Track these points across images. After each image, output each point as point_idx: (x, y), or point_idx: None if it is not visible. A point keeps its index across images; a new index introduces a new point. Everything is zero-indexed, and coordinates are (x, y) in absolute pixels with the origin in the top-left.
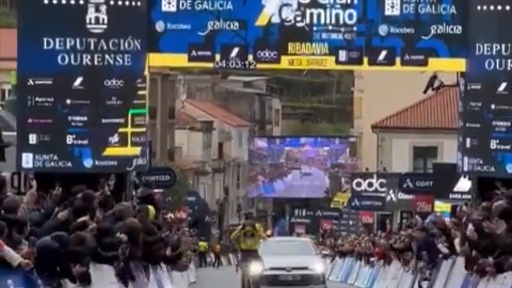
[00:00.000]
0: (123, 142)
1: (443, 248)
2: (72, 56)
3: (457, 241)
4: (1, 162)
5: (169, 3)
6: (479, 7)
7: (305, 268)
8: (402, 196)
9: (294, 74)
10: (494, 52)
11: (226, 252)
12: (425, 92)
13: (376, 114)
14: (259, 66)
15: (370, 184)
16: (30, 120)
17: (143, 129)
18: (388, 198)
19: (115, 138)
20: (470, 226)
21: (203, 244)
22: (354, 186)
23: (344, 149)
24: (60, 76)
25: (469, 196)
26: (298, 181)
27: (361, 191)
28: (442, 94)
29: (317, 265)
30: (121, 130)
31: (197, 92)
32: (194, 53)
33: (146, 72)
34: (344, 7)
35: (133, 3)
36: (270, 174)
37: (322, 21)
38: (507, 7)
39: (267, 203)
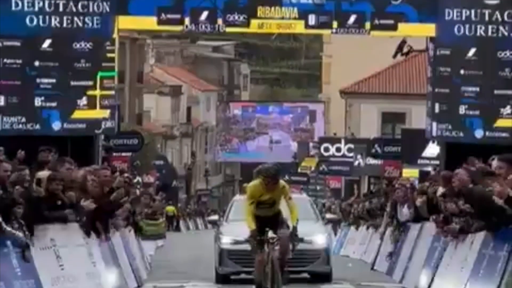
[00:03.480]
0: (91, 105)
1: (406, 212)
2: (40, 18)
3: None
4: None
5: None
6: None
7: (300, 240)
8: (370, 161)
9: (263, 39)
10: (463, 18)
11: (194, 216)
12: (394, 57)
13: (345, 80)
14: (228, 30)
15: (338, 149)
16: None
17: (112, 92)
18: (356, 163)
19: (83, 101)
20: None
21: (171, 208)
22: (322, 151)
23: (306, 115)
24: (28, 38)
25: (437, 162)
26: (266, 146)
27: (329, 156)
28: (411, 59)
29: (318, 236)
30: (89, 92)
31: (166, 57)
32: (163, 16)
33: (115, 35)
34: None
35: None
36: (243, 137)
37: None
38: None
39: (235, 168)
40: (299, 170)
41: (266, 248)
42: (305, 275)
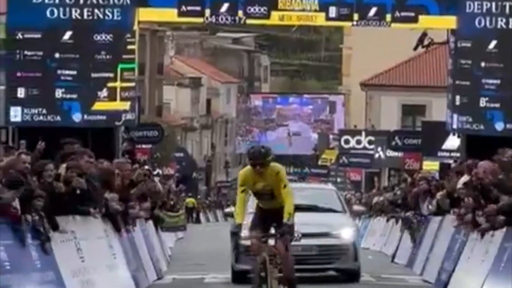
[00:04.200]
0: (112, 96)
1: (426, 208)
2: (61, 10)
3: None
4: None
5: None
6: None
7: (325, 234)
8: (391, 153)
9: (283, 31)
10: (484, 10)
11: (214, 208)
12: (415, 49)
13: (365, 72)
14: (249, 21)
15: (358, 142)
16: (18, 74)
17: (132, 84)
18: (376, 155)
19: (104, 93)
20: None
21: (191, 200)
22: (342, 143)
23: (326, 107)
24: (49, 30)
25: (458, 154)
26: (286, 137)
27: (349, 149)
28: (432, 52)
29: (345, 231)
30: (110, 84)
31: (186, 48)
32: (183, 8)
33: (135, 27)
34: None
35: None
36: (263, 128)
37: None
38: None
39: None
40: (319, 162)
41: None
42: (332, 272)
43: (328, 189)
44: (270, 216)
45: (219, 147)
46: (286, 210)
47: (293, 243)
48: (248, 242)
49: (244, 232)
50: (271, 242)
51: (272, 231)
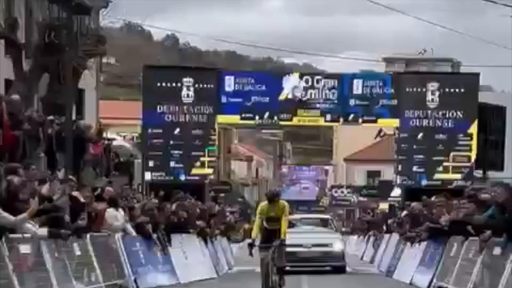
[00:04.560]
0: (202, 166)
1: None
2: (173, 116)
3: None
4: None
5: (228, 86)
6: (406, 89)
7: (325, 245)
8: (360, 198)
9: (300, 128)
10: (415, 115)
11: None
12: (375, 138)
13: (346, 152)
14: (280, 122)
15: (342, 192)
16: (149, 153)
17: (214, 158)
18: (352, 200)
19: (198, 164)
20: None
21: (246, 225)
22: (332, 193)
23: (323, 172)
24: (166, 127)
25: (399, 199)
26: (300, 190)
27: (336, 196)
28: (385, 139)
29: (337, 243)
30: (201, 159)
31: (244, 138)
32: (243, 115)
33: (215, 126)
34: (330, 89)
35: (209, 86)
36: (288, 184)
37: (317, 97)
38: (423, 89)
39: None
40: (319, 203)
41: (269, 254)
42: (328, 268)
43: (326, 217)
44: (272, 233)
45: (263, 195)
46: (282, 230)
47: (305, 249)
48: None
49: (257, 243)
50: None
51: (274, 243)
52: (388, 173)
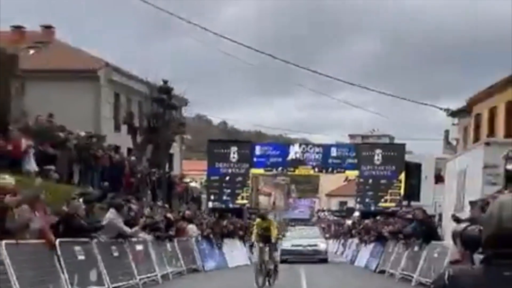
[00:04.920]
0: (242, 198)
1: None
2: (225, 169)
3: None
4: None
5: (257, 151)
6: (363, 153)
7: (314, 245)
8: (335, 217)
9: (299, 176)
10: (368, 169)
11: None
12: (344, 181)
13: (326, 190)
14: (288, 173)
15: (324, 214)
16: (211, 191)
17: (248, 194)
18: (330, 218)
19: (239, 197)
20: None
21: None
22: (319, 214)
23: (313, 202)
24: (221, 176)
25: (358, 218)
26: (298, 213)
27: (321, 216)
28: (350, 183)
29: (322, 244)
30: (241, 194)
31: (266, 182)
32: (266, 169)
33: (250, 175)
34: (317, 153)
35: (246, 151)
36: (293, 208)
37: (309, 157)
38: (372, 153)
39: (287, 220)
40: (311, 221)
41: (264, 252)
42: (316, 260)
43: (315, 228)
44: (265, 238)
45: (274, 216)
46: (273, 236)
47: (302, 248)
48: (287, 248)
49: (256, 242)
50: (266, 249)
51: (266, 249)
52: (350, 202)
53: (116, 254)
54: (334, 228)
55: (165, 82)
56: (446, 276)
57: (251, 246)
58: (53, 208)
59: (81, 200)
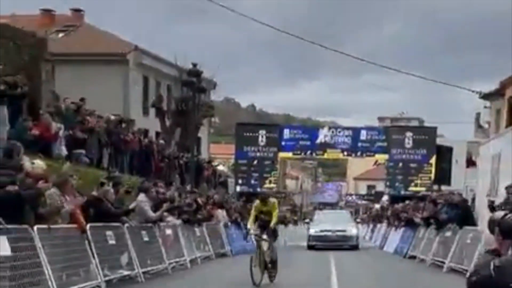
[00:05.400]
0: (270, 182)
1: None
2: (253, 153)
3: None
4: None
5: (286, 135)
6: (393, 136)
7: (344, 231)
8: (363, 202)
9: (328, 159)
10: (398, 153)
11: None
12: (373, 165)
13: (356, 172)
14: (316, 157)
15: (352, 198)
16: (239, 175)
17: (276, 178)
18: (358, 202)
19: (267, 181)
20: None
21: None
22: (347, 198)
23: (342, 185)
24: (249, 160)
25: (387, 202)
26: (326, 196)
27: (349, 200)
28: (379, 166)
29: (353, 229)
30: (269, 178)
31: (294, 165)
32: (294, 152)
33: (278, 159)
34: (347, 136)
35: (274, 135)
36: (320, 192)
37: (338, 141)
38: (403, 136)
39: (315, 204)
40: (338, 205)
41: (262, 241)
42: (346, 246)
43: (345, 212)
44: (265, 223)
45: (305, 199)
46: (273, 221)
47: (332, 234)
48: (315, 233)
49: (253, 230)
50: (264, 236)
51: (265, 236)
52: (379, 186)
53: (146, 238)
54: (362, 213)
55: (194, 65)
56: (491, 267)
57: (247, 233)
58: (82, 193)
59: (110, 184)
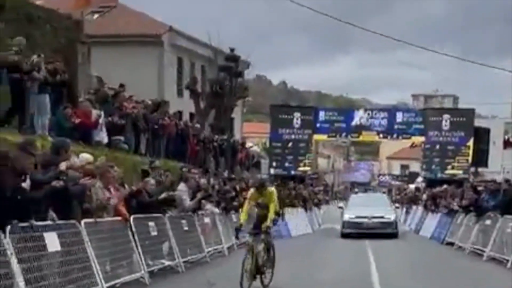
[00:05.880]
0: (304, 165)
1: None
2: (288, 135)
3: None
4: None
5: (321, 117)
6: (430, 118)
7: (381, 217)
8: (396, 182)
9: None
10: (435, 135)
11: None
12: (409, 147)
13: (389, 152)
14: (352, 139)
15: (385, 178)
16: (273, 157)
17: (311, 161)
18: (391, 182)
19: (301, 164)
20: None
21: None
22: (379, 178)
23: (373, 165)
24: (283, 142)
25: (421, 184)
26: (359, 175)
27: (382, 180)
28: (415, 148)
29: (392, 215)
30: (304, 161)
31: (326, 143)
32: (330, 134)
33: (312, 141)
34: (383, 118)
35: (309, 117)
36: (353, 171)
37: (374, 123)
38: (440, 118)
39: (346, 183)
40: (370, 185)
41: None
42: (384, 234)
43: (383, 196)
44: (261, 218)
45: (337, 179)
46: (269, 216)
47: (368, 220)
48: (351, 219)
49: (246, 227)
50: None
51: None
52: (412, 166)
53: (186, 228)
54: (395, 194)
55: (232, 50)
56: None
57: (237, 230)
58: (124, 181)
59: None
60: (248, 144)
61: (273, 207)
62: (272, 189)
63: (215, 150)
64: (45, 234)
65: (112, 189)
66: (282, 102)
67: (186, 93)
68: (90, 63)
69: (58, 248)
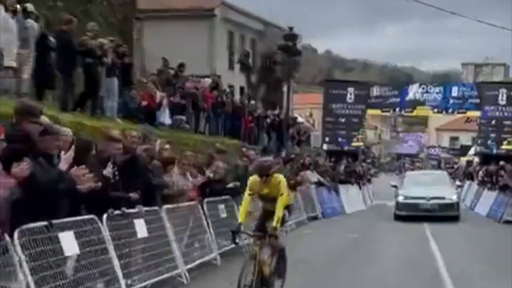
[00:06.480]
0: (357, 140)
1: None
2: (341, 110)
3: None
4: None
5: (374, 92)
6: (485, 92)
7: (442, 198)
8: (446, 155)
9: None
10: (491, 109)
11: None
12: (464, 123)
13: (437, 124)
14: (405, 114)
15: (434, 150)
16: (326, 132)
17: (363, 136)
18: (441, 155)
19: (355, 139)
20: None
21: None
22: (428, 151)
23: (421, 137)
24: (336, 117)
25: (473, 158)
26: (407, 147)
27: (431, 152)
28: (471, 122)
29: (453, 195)
30: (357, 136)
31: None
32: (383, 109)
33: (366, 116)
34: (437, 93)
35: (362, 92)
36: (401, 143)
37: (429, 98)
38: (496, 92)
39: (392, 155)
40: (418, 157)
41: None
42: (444, 217)
43: (442, 173)
44: (270, 215)
45: (384, 151)
46: (276, 214)
47: (426, 201)
48: (405, 201)
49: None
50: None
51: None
52: (462, 138)
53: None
54: (444, 167)
55: (291, 28)
56: None
57: (235, 232)
58: (196, 164)
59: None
60: (300, 119)
61: (281, 200)
62: (281, 177)
63: (268, 126)
64: (135, 221)
65: (189, 176)
66: (326, 71)
67: (237, 66)
68: (144, 39)
69: (146, 234)
